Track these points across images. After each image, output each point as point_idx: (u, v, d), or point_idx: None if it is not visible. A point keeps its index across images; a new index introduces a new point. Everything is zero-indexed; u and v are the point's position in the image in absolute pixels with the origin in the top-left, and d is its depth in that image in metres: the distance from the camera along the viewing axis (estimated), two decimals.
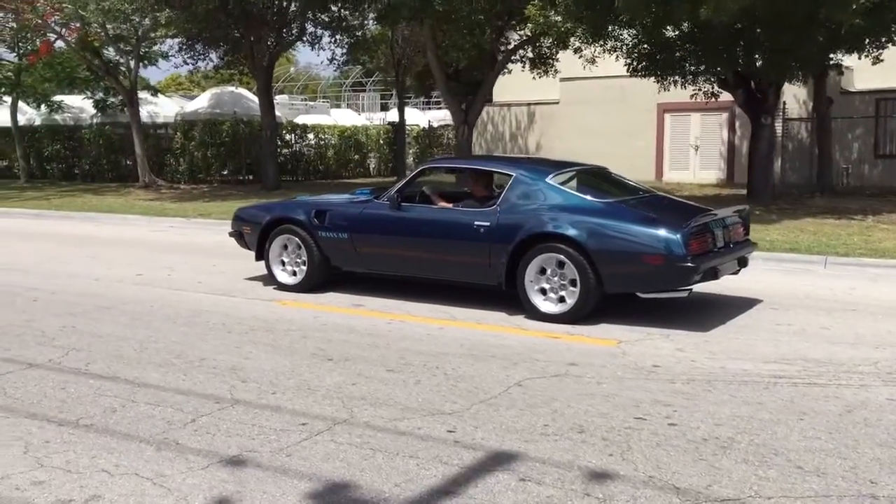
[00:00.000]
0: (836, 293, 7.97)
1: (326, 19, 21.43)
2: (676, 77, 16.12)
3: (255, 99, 29.66)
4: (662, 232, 6.37)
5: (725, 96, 17.86)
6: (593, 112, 25.05)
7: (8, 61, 25.11)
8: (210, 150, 25.00)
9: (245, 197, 19.39)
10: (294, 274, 8.15)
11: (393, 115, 34.63)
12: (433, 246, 7.36)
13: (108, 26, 21.01)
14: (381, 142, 29.88)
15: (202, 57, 22.02)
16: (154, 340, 6.22)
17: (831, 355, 5.60)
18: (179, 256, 10.78)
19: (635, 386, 4.96)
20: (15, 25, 23.93)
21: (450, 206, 7.66)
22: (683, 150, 24.65)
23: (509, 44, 18.58)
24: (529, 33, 18.03)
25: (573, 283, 6.62)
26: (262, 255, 8.35)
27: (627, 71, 16.70)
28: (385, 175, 29.03)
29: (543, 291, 6.79)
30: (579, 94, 25.12)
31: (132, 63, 23.48)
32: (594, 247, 6.49)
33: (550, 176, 7.18)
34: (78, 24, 21.95)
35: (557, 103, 26.08)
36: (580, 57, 16.68)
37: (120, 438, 4.23)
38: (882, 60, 15.95)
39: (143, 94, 25.46)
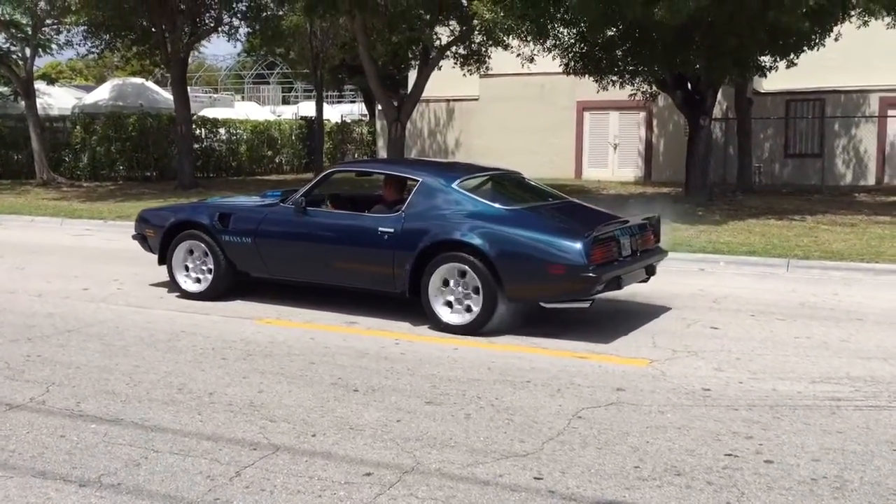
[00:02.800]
0: (825, 300, 7.99)
1: (244, 9, 20.46)
2: (614, 77, 16.14)
3: (160, 91, 28.33)
4: (564, 241, 6.25)
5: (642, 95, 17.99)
6: (513, 109, 25.01)
7: None
8: (114, 146, 23.54)
9: (160, 196, 18.31)
10: (198, 281, 7.84)
11: (305, 109, 33.72)
12: (337, 252, 7.15)
13: (6, 11, 19.38)
14: (294, 137, 28.95)
15: (109, 46, 20.61)
16: (143, 371, 5.54)
17: (872, 372, 5.50)
18: (119, 266, 9.90)
19: (701, 415, 4.69)
20: None
21: (355, 211, 7.49)
22: (602, 147, 24.90)
23: (439, 39, 18.18)
24: (460, 28, 17.71)
25: (476, 292, 6.46)
26: (164, 259, 7.98)
27: (564, 71, 16.61)
28: (300, 171, 28.17)
29: (448, 302, 6.63)
30: (499, 91, 25.02)
31: (28, 51, 21.79)
32: (496, 255, 6.33)
33: (457, 181, 7.01)
34: None
35: (477, 100, 25.92)
36: (519, 56, 16.48)
37: (162, 501, 3.64)
38: (796, 64, 16.45)
39: (37, 85, 23.73)
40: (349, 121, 32.39)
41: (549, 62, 17.37)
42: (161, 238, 7.95)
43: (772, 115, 22.47)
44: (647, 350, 6.09)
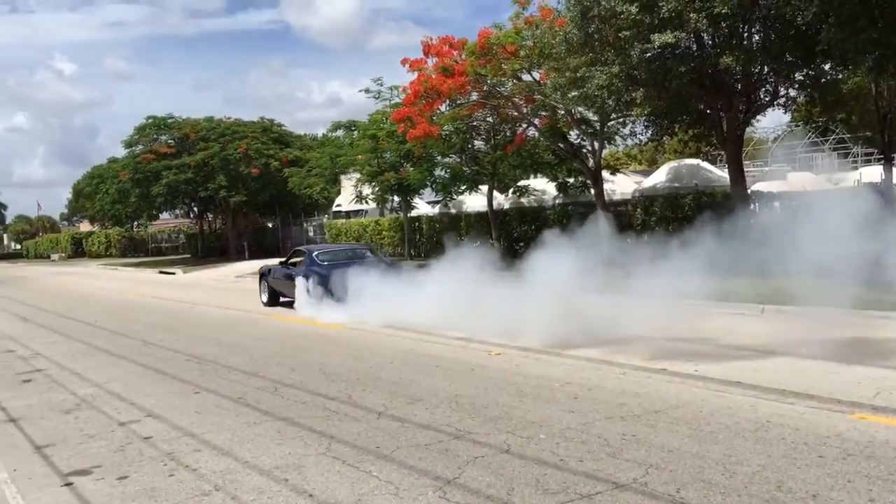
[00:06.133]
0: None
1: (801, 78, 19.73)
2: None
3: (713, 169, 28.80)
4: (319, 273, 15.77)
5: None
6: None
7: (485, 152, 27.49)
8: (671, 225, 24.52)
9: (711, 272, 18.33)
10: (264, 299, 18.47)
11: (869, 175, 31.09)
12: (289, 283, 16.73)
13: (578, 111, 21.86)
14: None
15: (667, 131, 21.73)
16: (736, 462, 5.46)
17: None
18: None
19: None
20: (491, 120, 26.25)
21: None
22: None
23: None
24: None
25: (318, 298, 15.46)
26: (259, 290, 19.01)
27: None
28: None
29: (308, 303, 15.68)
30: None
31: (596, 144, 24.13)
32: (314, 280, 15.63)
33: (315, 253, 16.99)
34: (546, 113, 23.23)
35: None
36: None
37: None
38: None
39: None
40: None
41: None
42: (259, 279, 18.80)
43: None
44: None
